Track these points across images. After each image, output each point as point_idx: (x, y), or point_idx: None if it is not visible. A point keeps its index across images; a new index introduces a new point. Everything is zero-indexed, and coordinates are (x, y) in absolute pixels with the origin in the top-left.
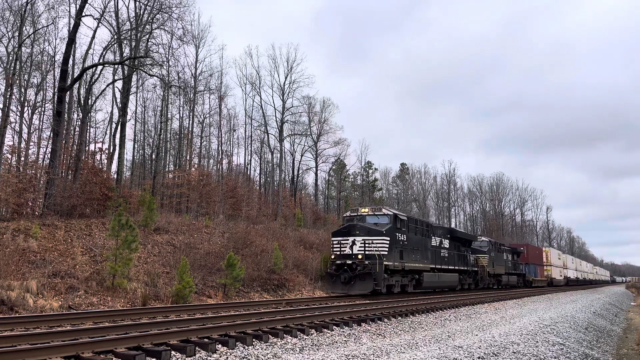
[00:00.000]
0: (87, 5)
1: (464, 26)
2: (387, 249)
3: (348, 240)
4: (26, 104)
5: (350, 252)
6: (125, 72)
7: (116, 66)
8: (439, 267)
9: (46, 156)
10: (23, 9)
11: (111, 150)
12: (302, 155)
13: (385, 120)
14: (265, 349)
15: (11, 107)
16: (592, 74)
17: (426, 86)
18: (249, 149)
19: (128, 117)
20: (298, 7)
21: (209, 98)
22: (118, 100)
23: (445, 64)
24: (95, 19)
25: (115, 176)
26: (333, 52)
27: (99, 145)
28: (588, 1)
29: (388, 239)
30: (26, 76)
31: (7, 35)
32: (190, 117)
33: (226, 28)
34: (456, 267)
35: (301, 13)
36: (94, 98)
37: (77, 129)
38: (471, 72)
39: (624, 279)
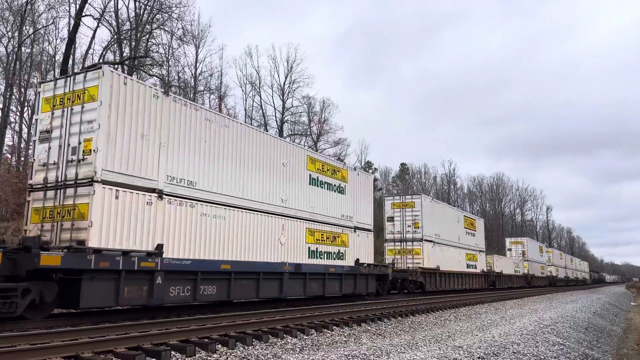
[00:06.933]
0: (87, 5)
1: (475, 47)
2: None
3: None
4: (26, 104)
5: None
6: (125, 72)
7: (116, 66)
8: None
9: None
10: (23, 9)
11: None
12: None
13: (393, 128)
14: (265, 349)
15: (11, 107)
16: (596, 90)
17: (436, 99)
18: None
19: None
20: (324, 29)
21: (209, 98)
22: None
23: (456, 80)
24: (95, 19)
25: None
26: (353, 68)
27: None
28: (593, 25)
29: None
30: (26, 76)
31: (7, 35)
32: None
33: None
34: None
35: (325, 35)
36: None
37: None
38: (480, 88)
39: (614, 277)
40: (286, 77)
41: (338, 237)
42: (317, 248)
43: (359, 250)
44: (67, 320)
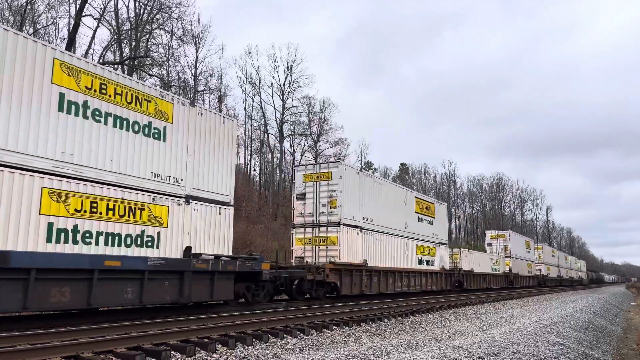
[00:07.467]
0: (87, 5)
1: (475, 47)
2: None
3: None
4: None
5: None
6: (125, 72)
7: (116, 66)
8: None
9: None
10: (23, 9)
11: None
12: (302, 155)
13: (393, 128)
14: (265, 349)
15: None
16: (596, 90)
17: (436, 99)
18: (249, 149)
19: None
20: (324, 29)
21: (209, 98)
22: None
23: (456, 80)
24: (95, 19)
25: None
26: (353, 68)
27: None
28: (593, 25)
29: None
30: None
31: None
32: None
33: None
34: None
35: (325, 35)
36: None
37: None
38: (480, 88)
39: (613, 277)
40: (286, 77)
41: (143, 209)
42: (76, 226)
43: (198, 233)
44: (67, 320)
